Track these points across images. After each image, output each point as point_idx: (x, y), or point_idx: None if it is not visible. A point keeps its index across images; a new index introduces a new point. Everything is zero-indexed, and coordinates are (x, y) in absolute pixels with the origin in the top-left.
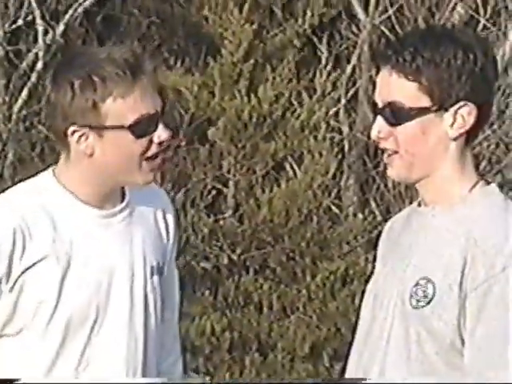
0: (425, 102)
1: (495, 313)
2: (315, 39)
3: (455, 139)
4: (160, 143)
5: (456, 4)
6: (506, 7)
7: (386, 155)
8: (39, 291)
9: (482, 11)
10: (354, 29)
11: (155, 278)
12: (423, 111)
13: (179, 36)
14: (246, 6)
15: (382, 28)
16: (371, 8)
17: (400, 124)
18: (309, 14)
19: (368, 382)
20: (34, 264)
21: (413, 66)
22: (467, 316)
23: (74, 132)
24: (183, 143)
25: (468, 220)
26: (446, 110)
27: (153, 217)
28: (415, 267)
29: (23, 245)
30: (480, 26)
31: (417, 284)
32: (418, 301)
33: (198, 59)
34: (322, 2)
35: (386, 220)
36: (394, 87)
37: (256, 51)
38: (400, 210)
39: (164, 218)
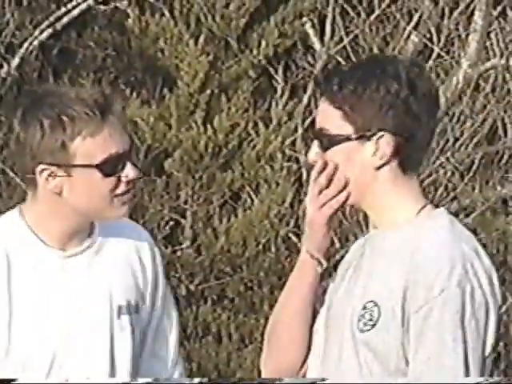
0: (348, 130)
1: (435, 336)
2: (271, 69)
3: (380, 168)
4: (128, 182)
5: (410, 33)
6: (459, 36)
7: None
8: None
9: (435, 40)
10: (310, 59)
11: (124, 317)
12: (346, 138)
13: (136, 68)
14: (202, 38)
15: (338, 58)
16: (326, 38)
17: (328, 149)
18: (263, 44)
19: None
20: None
21: (338, 96)
22: (410, 339)
23: (42, 170)
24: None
25: (412, 243)
26: (368, 139)
27: (124, 254)
28: (364, 290)
29: None
30: (434, 55)
31: (364, 307)
32: (364, 324)
33: (155, 91)
34: (276, 32)
35: (343, 248)
36: (324, 114)
37: (212, 82)
38: (357, 237)
39: (138, 254)
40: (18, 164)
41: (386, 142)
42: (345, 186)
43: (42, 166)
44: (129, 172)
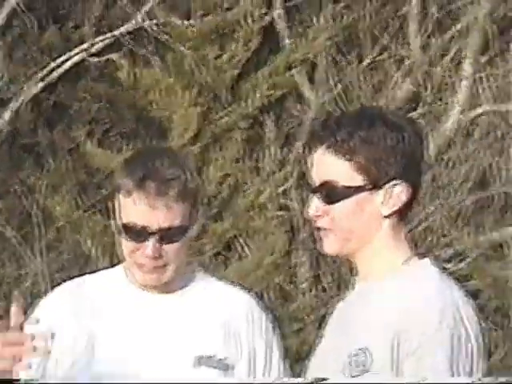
0: (360, 180)
1: (431, 376)
2: (262, 119)
3: (388, 216)
4: (146, 255)
5: (401, 81)
6: (449, 83)
7: (317, 230)
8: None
9: (426, 87)
10: (301, 108)
11: (204, 369)
12: (358, 190)
13: (128, 119)
14: (193, 90)
15: (329, 106)
16: (318, 87)
17: (336, 202)
18: (254, 95)
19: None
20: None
21: (348, 146)
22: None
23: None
24: None
25: (401, 291)
26: (380, 188)
27: (215, 311)
28: (353, 338)
29: None
30: (425, 102)
31: (354, 355)
32: (355, 369)
33: (148, 142)
34: (267, 83)
35: (338, 295)
36: (330, 166)
37: (204, 133)
38: (352, 283)
39: (232, 317)
40: None
41: (399, 191)
42: (347, 238)
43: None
44: (146, 248)
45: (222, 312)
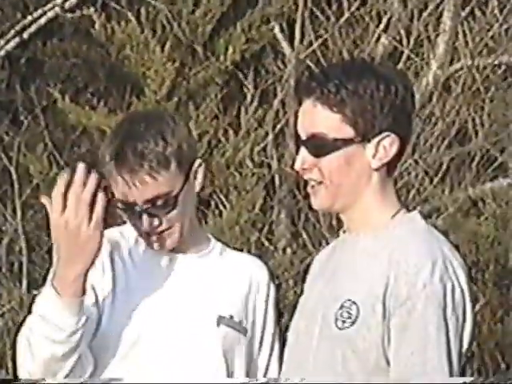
0: (348, 133)
1: (419, 330)
2: (240, 75)
3: (377, 169)
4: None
5: (380, 35)
6: (429, 37)
7: (309, 186)
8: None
9: (405, 42)
10: (280, 63)
11: (223, 328)
12: (347, 142)
13: (102, 76)
14: (168, 45)
15: (308, 62)
16: (296, 42)
17: (324, 155)
18: (230, 50)
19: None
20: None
21: (337, 98)
22: (392, 335)
23: None
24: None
25: (390, 243)
26: (369, 140)
27: (237, 276)
28: (340, 290)
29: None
30: (404, 57)
31: (341, 306)
32: (343, 322)
33: (122, 99)
34: (243, 38)
35: (318, 251)
36: (318, 118)
37: (179, 89)
38: (328, 242)
39: (252, 283)
40: None
41: (389, 143)
42: (337, 193)
43: None
44: (142, 223)
45: (240, 277)
